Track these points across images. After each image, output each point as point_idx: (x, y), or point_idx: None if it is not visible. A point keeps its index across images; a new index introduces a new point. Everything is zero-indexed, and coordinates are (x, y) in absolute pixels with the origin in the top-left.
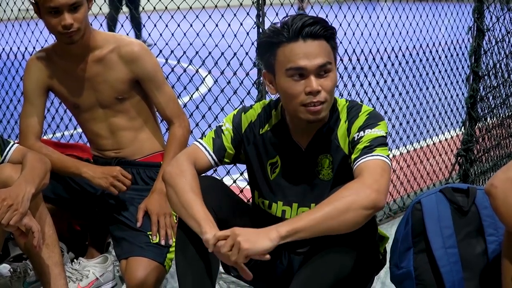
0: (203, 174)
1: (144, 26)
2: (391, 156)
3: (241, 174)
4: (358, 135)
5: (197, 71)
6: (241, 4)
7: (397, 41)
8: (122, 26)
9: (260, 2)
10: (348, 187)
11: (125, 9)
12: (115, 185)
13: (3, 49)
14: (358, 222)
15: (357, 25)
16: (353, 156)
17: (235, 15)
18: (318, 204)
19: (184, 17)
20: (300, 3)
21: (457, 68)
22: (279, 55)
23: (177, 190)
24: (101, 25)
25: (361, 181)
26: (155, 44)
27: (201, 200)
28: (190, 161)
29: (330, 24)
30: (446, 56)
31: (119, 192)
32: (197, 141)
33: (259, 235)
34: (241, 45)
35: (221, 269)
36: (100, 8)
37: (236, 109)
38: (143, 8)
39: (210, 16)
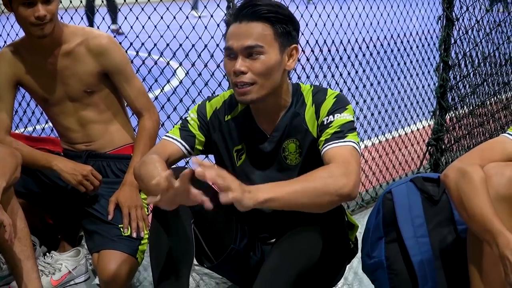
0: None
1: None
2: (362, 146)
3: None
4: (327, 119)
5: (168, 63)
6: None
7: (367, 32)
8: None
9: None
10: (328, 170)
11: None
12: (83, 184)
13: None
14: (328, 207)
15: (328, 16)
16: (322, 139)
17: (205, 7)
18: (297, 179)
19: (155, 9)
20: None
21: (428, 58)
22: (226, 35)
23: (144, 174)
24: (82, 18)
25: (339, 168)
26: (125, 37)
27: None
28: (161, 157)
29: (284, 9)
30: (417, 46)
31: (87, 191)
32: (164, 136)
33: (244, 194)
34: (212, 37)
35: (194, 261)
36: (81, 1)
37: None
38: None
39: (180, 8)
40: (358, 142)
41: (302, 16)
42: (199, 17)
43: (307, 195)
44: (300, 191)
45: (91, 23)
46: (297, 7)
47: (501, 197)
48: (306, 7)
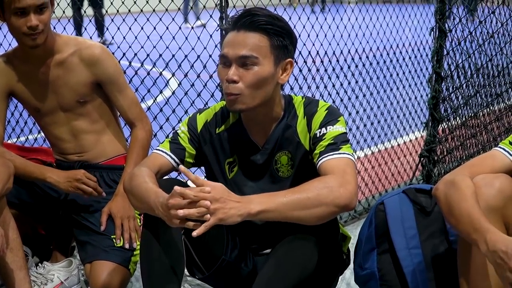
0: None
1: (107, 28)
2: (355, 157)
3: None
4: (320, 132)
5: (160, 73)
6: (204, 6)
7: (360, 43)
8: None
9: (223, 4)
10: (323, 181)
11: (89, 11)
12: (80, 188)
13: None
14: (325, 217)
15: (321, 27)
16: (316, 152)
17: (198, 17)
18: (291, 189)
19: (148, 19)
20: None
21: (421, 69)
22: (223, 43)
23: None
24: (64, 28)
25: (336, 179)
26: (118, 47)
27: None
28: (151, 170)
29: (283, 23)
30: (410, 58)
31: (87, 195)
32: (155, 149)
33: (230, 210)
34: (205, 47)
35: (186, 272)
36: (64, 11)
37: None
38: (106, 11)
39: (173, 19)
40: (352, 154)
41: (295, 26)
42: (192, 27)
43: (301, 206)
44: (294, 202)
45: (79, 34)
46: (290, 18)
47: (491, 208)
48: (299, 18)
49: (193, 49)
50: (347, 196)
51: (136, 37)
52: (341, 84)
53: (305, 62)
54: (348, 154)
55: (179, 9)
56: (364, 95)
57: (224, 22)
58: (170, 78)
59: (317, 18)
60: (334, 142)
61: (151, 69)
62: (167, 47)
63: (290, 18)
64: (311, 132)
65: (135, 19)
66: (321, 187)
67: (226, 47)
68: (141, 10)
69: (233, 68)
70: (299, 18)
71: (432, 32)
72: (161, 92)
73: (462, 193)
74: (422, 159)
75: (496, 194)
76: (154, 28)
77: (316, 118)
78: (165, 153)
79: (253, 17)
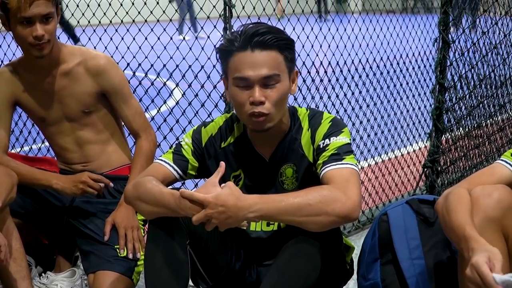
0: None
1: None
2: (359, 167)
3: None
4: (323, 143)
5: (164, 84)
6: (208, 17)
7: (364, 53)
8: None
9: (227, 15)
10: (327, 189)
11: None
12: (87, 190)
13: None
14: (326, 226)
15: (325, 37)
16: (319, 162)
17: (202, 28)
18: (293, 193)
19: (152, 30)
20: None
21: (424, 80)
22: (230, 63)
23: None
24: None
25: (339, 189)
26: (122, 57)
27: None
28: (156, 178)
29: (287, 35)
30: (413, 68)
31: (96, 195)
32: (157, 159)
33: (229, 218)
34: (208, 58)
35: (190, 282)
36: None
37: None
38: (110, 21)
39: (177, 29)
40: (356, 164)
41: (298, 37)
42: (196, 37)
43: (301, 213)
44: (293, 208)
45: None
46: (294, 29)
47: (489, 219)
48: (303, 28)
49: (197, 59)
50: (349, 206)
51: (140, 47)
52: (345, 95)
53: (309, 72)
54: (352, 164)
55: (183, 19)
56: (368, 105)
57: (227, 33)
58: (174, 89)
59: (320, 29)
60: (338, 153)
61: (155, 79)
62: (171, 57)
63: (294, 29)
64: (315, 144)
65: (139, 29)
66: (323, 195)
67: (246, 69)
68: (145, 21)
69: (257, 88)
70: (303, 29)
71: (436, 43)
72: (165, 102)
73: (455, 204)
74: (425, 169)
75: (494, 205)
76: (158, 38)
77: (320, 130)
78: (168, 163)
79: (265, 35)
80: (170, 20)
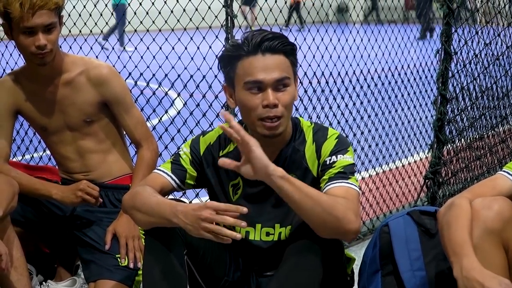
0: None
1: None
2: (360, 177)
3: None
4: (330, 159)
5: (166, 93)
6: (210, 26)
7: (365, 64)
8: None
9: (229, 25)
10: (343, 199)
11: None
12: (85, 198)
13: None
14: (326, 228)
15: (326, 48)
16: (325, 177)
17: (204, 38)
18: (318, 191)
19: (154, 39)
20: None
21: (426, 91)
22: (238, 68)
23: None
24: (80, 47)
25: (349, 204)
26: (124, 67)
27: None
28: (153, 188)
29: (289, 40)
30: (415, 79)
31: (94, 203)
32: (156, 169)
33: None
34: (210, 68)
35: None
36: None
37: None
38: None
39: (179, 39)
40: (358, 186)
41: (300, 47)
42: (198, 47)
43: (316, 202)
44: (313, 194)
45: None
46: (295, 39)
47: (489, 231)
48: (304, 39)
49: (198, 69)
50: (353, 221)
51: (141, 57)
52: (346, 105)
53: (310, 83)
54: (356, 186)
55: (185, 29)
56: (369, 116)
57: (229, 43)
58: (175, 98)
59: (322, 39)
60: (344, 172)
61: (156, 89)
62: (172, 67)
63: (295, 39)
64: (321, 159)
65: (141, 39)
66: (339, 202)
67: (258, 72)
68: (147, 30)
69: (270, 91)
70: (305, 39)
71: (438, 54)
72: (166, 111)
73: (456, 215)
74: (427, 180)
75: (494, 216)
76: (160, 48)
77: (326, 145)
78: (166, 173)
79: (274, 39)
80: (172, 30)
